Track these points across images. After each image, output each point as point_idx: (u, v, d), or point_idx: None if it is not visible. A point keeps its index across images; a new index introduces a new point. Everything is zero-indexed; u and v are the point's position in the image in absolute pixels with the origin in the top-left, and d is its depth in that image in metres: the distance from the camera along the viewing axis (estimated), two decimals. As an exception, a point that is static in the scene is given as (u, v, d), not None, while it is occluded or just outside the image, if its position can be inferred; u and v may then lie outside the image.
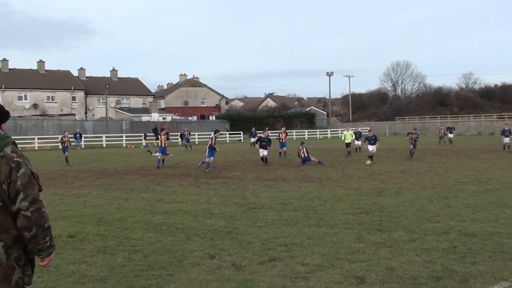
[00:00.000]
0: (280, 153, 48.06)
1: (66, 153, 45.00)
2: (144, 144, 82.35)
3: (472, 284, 9.95)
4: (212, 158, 35.39)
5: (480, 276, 10.41)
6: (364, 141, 45.16)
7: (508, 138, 51.50)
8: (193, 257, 12.30)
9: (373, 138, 43.19)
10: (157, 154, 39.09)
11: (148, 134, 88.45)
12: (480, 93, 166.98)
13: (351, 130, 52.49)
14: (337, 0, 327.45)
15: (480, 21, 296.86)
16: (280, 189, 25.07)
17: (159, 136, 41.03)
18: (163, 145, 39.40)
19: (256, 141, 45.21)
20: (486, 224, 15.64)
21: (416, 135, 44.09)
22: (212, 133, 36.85)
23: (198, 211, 18.94)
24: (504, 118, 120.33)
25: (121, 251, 13.03)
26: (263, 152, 40.45)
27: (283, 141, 48.94)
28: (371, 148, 42.82)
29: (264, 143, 40.65)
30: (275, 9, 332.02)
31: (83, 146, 78.37)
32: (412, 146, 43.62)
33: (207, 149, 35.76)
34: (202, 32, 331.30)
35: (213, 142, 35.46)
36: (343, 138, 51.68)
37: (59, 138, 50.77)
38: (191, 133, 78.90)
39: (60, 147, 48.17)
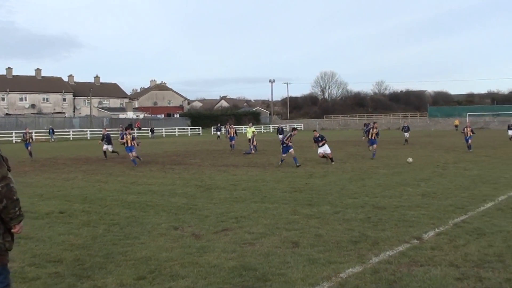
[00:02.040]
0: (231, 145, 45.79)
1: (29, 148, 39.85)
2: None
3: (382, 246, 10.11)
4: (289, 152, 28.85)
5: (388, 240, 10.59)
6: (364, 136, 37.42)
7: (407, 133, 51.91)
8: (161, 229, 12.31)
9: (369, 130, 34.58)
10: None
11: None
12: (389, 97, 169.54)
13: (253, 127, 46.24)
14: (278, 21, 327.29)
15: (388, 40, 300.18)
16: (231, 173, 25.05)
17: (123, 136, 32.62)
18: (129, 145, 31.83)
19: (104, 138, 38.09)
20: (393, 199, 15.88)
21: (377, 130, 33.93)
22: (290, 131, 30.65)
23: (164, 191, 18.88)
24: (407, 116, 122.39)
25: (102, 224, 12.97)
26: (108, 147, 37.26)
27: (232, 135, 46.85)
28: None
29: (108, 138, 37.61)
30: (227, 26, 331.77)
31: (66, 138, 77.61)
32: (369, 144, 33.91)
33: (281, 146, 29.69)
34: (169, 44, 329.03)
35: (285, 138, 29.76)
36: (246, 134, 45.54)
37: (22, 135, 44.70)
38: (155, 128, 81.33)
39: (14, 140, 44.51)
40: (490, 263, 8.86)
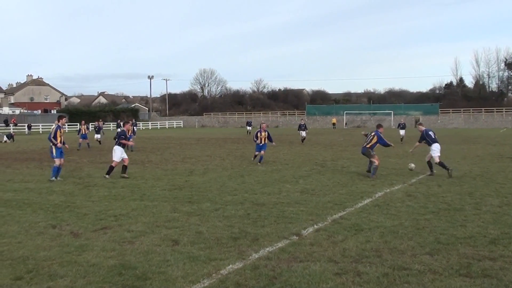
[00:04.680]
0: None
1: None
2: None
3: (262, 242, 10.21)
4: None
5: (267, 236, 10.71)
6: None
7: (403, 131, 48.35)
8: (38, 227, 11.99)
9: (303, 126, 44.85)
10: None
11: None
12: (268, 95, 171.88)
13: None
14: (155, 17, 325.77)
15: (265, 39, 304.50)
16: (110, 170, 24.64)
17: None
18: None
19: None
20: (272, 196, 16.10)
21: (266, 134, 27.87)
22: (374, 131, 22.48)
23: (42, 189, 18.35)
24: (285, 114, 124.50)
25: (-24, 223, 12.49)
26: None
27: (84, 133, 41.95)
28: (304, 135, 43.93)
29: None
30: (105, 22, 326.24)
31: None
32: (262, 151, 27.32)
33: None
34: (46, 38, 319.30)
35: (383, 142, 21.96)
36: None
37: None
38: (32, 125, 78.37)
39: None
40: (368, 258, 9.10)
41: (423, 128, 22.27)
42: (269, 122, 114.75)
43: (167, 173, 23.08)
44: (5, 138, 53.93)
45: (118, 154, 21.78)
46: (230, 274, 8.27)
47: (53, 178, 20.89)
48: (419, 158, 29.04)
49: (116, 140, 22.18)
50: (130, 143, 22.39)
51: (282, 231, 11.23)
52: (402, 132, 48.47)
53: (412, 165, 22.32)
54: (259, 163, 26.67)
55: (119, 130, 22.63)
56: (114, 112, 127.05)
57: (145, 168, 25.20)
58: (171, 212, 13.65)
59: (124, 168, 21.73)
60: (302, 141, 46.70)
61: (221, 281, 7.94)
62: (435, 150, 21.50)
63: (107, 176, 21.36)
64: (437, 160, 21.27)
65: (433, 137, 21.95)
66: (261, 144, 27.34)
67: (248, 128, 72.57)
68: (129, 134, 38.02)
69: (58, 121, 21.95)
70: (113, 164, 21.75)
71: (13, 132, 61.26)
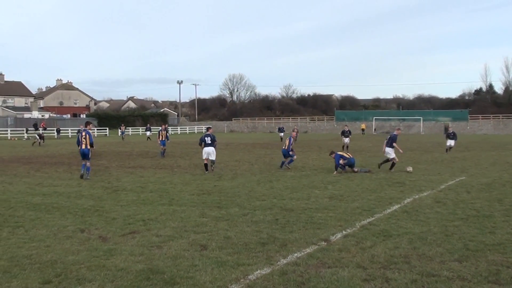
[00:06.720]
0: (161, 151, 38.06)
1: None
2: (26, 137, 79.24)
3: (290, 248, 10.18)
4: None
5: (296, 242, 10.67)
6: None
7: (452, 141, 41.03)
8: (67, 231, 12.07)
9: (349, 132, 45.97)
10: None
11: (29, 128, 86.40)
12: (297, 101, 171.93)
13: None
14: (185, 21, 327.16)
15: (295, 45, 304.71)
16: (139, 174, 24.75)
17: (160, 132, 38.94)
18: (162, 139, 38.37)
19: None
20: (301, 202, 16.04)
21: (296, 134, 31.87)
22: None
23: (70, 193, 18.48)
24: (314, 120, 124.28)
25: (6, 227, 12.62)
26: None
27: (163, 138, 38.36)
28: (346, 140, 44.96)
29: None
30: (135, 27, 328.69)
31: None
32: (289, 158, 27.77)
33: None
34: (76, 43, 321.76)
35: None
36: None
37: None
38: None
39: None
40: (397, 264, 9.04)
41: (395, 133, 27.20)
42: (298, 127, 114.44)
43: (196, 178, 23.13)
44: (37, 137, 56.25)
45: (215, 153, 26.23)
46: (258, 279, 8.26)
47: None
48: (448, 164, 28.83)
49: (210, 143, 25.70)
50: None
51: (311, 236, 11.19)
52: (450, 142, 41.33)
53: (410, 168, 25.56)
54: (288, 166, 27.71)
55: (209, 133, 25.01)
56: (143, 117, 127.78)
57: (173, 173, 25.27)
58: (200, 217, 13.65)
59: (212, 162, 25.97)
60: (347, 148, 42.92)
61: (249, 286, 7.93)
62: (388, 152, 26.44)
63: (212, 170, 25.66)
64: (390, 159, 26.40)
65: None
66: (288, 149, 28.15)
67: (280, 134, 69.60)
68: (163, 139, 37.93)
69: (86, 126, 23.82)
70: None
71: (43, 133, 61.98)
